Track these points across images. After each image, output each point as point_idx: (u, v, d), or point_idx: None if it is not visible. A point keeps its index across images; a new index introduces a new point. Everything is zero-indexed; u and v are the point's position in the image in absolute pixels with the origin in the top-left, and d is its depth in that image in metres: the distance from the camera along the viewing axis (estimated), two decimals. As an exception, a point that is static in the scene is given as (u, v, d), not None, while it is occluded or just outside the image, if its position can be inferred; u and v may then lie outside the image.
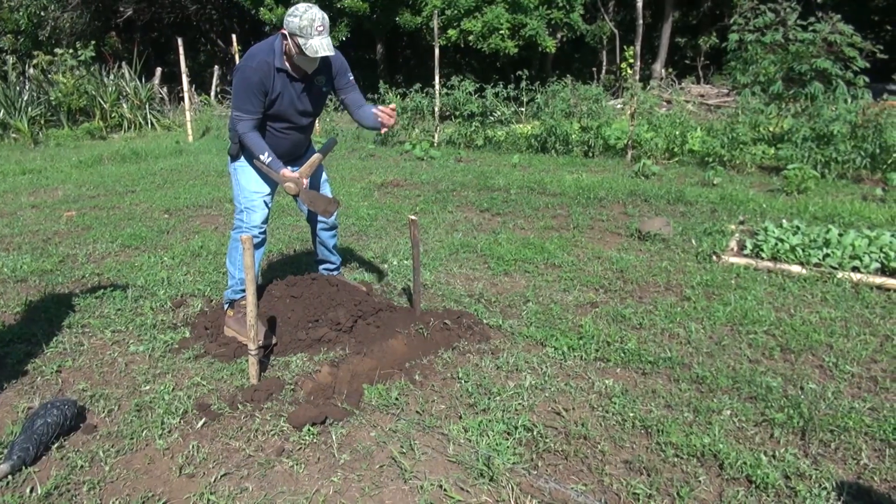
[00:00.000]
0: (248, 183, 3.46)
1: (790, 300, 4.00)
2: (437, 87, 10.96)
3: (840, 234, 4.75)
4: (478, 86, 11.32)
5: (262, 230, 3.53)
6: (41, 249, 5.33)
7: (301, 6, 3.11)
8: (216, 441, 2.66)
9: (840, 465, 2.44)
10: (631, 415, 2.77)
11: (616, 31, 19.46)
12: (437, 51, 10.94)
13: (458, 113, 11.08)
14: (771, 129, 9.00)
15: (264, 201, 3.50)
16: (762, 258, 4.63)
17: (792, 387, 2.98)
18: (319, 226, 3.89)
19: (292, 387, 3.05)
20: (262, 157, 3.28)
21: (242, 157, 3.47)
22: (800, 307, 3.89)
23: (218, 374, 3.19)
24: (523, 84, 11.47)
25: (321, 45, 3.09)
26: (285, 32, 3.15)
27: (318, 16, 3.08)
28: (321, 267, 4.08)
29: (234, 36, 13.43)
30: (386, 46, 19.44)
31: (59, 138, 13.10)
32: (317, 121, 3.58)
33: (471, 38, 14.48)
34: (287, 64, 3.24)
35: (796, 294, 4.09)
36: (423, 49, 19.26)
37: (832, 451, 2.52)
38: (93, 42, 16.38)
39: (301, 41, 3.08)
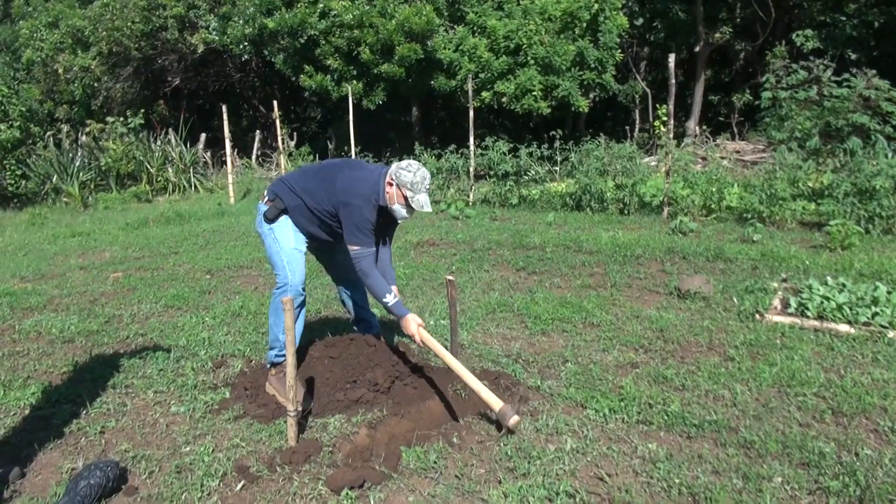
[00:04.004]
0: (286, 241, 3.57)
1: (839, 361, 3.88)
2: (471, 147, 11.15)
3: (889, 292, 4.62)
4: (511, 146, 11.49)
5: (304, 286, 3.61)
6: (88, 310, 5.49)
7: (414, 164, 3.46)
8: (255, 504, 2.65)
9: (903, 537, 2.32)
10: (677, 481, 2.68)
11: (648, 90, 19.67)
12: (471, 112, 11.18)
13: (492, 172, 11.22)
14: (810, 184, 8.89)
15: (303, 256, 3.61)
16: (808, 317, 4.51)
17: (846, 452, 2.87)
18: (347, 291, 4.03)
19: (330, 449, 3.04)
20: (386, 297, 3.47)
21: (281, 218, 3.59)
22: (850, 368, 3.76)
23: (257, 435, 3.20)
24: (557, 143, 11.62)
25: (426, 202, 3.44)
26: (393, 182, 3.43)
27: (427, 175, 3.46)
28: (360, 327, 4.11)
29: (275, 102, 13.95)
30: (421, 109, 19.91)
31: (107, 202, 13.62)
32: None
33: (504, 99, 14.75)
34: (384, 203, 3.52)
35: (846, 354, 3.96)
36: (457, 110, 19.68)
37: (893, 522, 2.40)
38: (142, 110, 17.16)
39: (410, 195, 3.40)
